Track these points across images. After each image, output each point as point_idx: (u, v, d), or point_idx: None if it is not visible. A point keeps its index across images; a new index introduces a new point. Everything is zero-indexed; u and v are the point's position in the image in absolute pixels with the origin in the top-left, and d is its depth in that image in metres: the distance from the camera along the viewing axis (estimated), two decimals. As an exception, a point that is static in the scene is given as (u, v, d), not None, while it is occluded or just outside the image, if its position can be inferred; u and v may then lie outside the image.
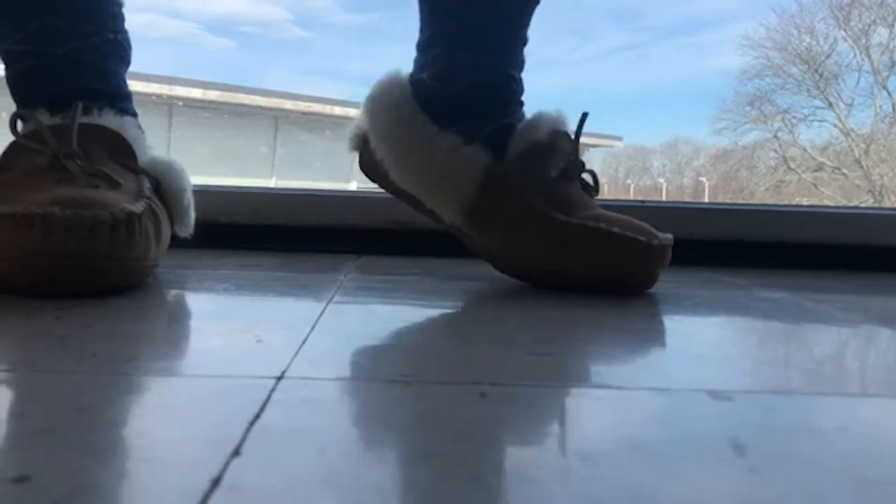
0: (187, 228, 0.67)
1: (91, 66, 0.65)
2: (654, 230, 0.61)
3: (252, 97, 6.79)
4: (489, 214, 0.64)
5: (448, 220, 0.66)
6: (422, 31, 0.68)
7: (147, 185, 0.60)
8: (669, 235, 0.61)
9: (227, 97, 6.57)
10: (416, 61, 0.69)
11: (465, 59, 0.65)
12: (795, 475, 0.24)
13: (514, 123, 0.66)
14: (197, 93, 6.31)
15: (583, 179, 0.66)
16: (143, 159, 0.63)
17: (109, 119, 0.63)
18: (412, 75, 0.68)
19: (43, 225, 0.48)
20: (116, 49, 0.67)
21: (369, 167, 0.70)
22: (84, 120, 0.60)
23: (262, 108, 6.80)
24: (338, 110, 7.02)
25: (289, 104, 6.97)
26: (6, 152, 0.59)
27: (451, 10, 0.66)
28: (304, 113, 6.96)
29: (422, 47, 0.68)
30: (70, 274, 0.49)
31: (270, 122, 6.96)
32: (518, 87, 0.67)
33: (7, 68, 0.66)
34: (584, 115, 0.66)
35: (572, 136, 0.66)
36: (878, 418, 0.32)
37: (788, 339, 0.50)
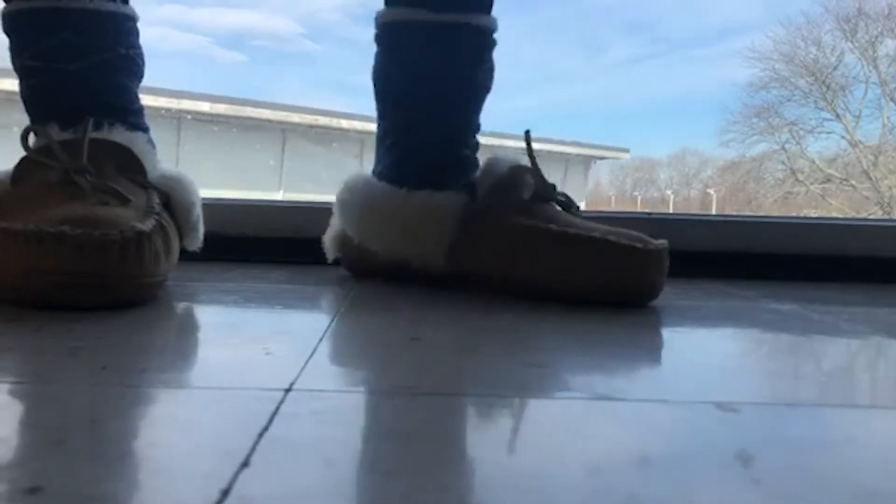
0: (196, 242, 0.68)
1: (103, 81, 0.66)
2: (647, 237, 0.61)
3: (260, 110, 6.81)
4: (475, 247, 0.65)
5: (436, 268, 0.68)
6: (378, 124, 0.74)
7: (156, 200, 0.60)
8: (664, 241, 0.61)
9: (234, 111, 6.60)
10: (375, 155, 0.74)
11: (416, 147, 0.71)
12: (802, 487, 0.24)
13: (473, 182, 0.69)
14: (205, 106, 6.34)
15: (560, 202, 0.67)
16: (152, 174, 0.64)
17: (119, 134, 0.63)
18: (373, 170, 0.74)
19: (53, 243, 0.48)
20: (129, 64, 0.67)
21: (352, 261, 0.75)
22: (94, 135, 0.61)
23: (269, 121, 6.82)
24: (345, 123, 7.04)
25: (296, 117, 6.99)
26: (18, 167, 0.60)
27: (402, 105, 0.71)
28: (311, 126, 6.98)
29: (378, 139, 0.74)
30: (80, 291, 0.49)
31: (278, 135, 6.98)
32: (473, 162, 0.72)
33: (20, 83, 0.67)
34: (527, 133, 0.68)
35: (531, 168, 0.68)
36: (885, 430, 0.32)
37: (795, 351, 0.50)
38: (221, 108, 6.53)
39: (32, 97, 0.66)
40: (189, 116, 6.23)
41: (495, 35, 0.71)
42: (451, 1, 0.69)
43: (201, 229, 0.68)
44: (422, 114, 0.70)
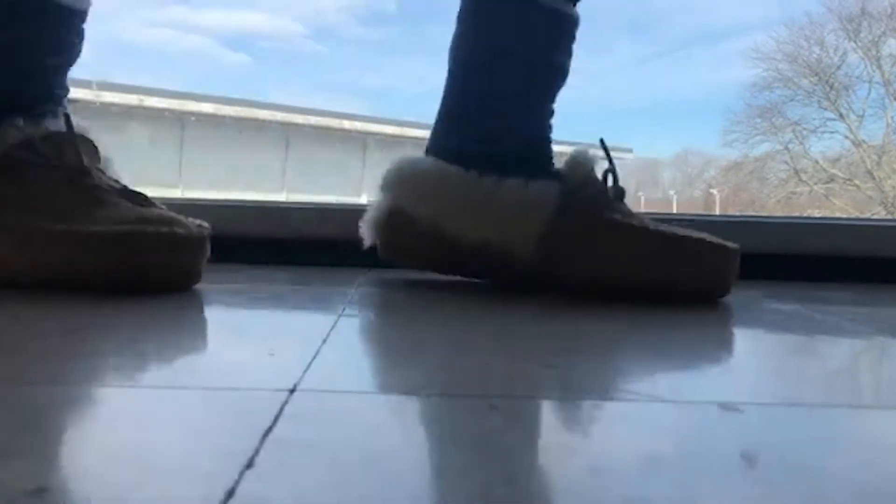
0: None
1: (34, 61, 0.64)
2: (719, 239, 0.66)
3: (263, 112, 6.82)
4: (568, 237, 0.66)
5: (522, 254, 0.67)
6: (451, 100, 0.72)
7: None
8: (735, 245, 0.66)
9: (238, 112, 6.61)
10: (443, 130, 0.72)
11: (504, 123, 0.70)
12: (806, 487, 0.24)
13: (558, 172, 0.69)
14: (209, 108, 6.36)
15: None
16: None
17: (80, 125, 0.63)
18: (434, 146, 0.72)
19: (133, 242, 0.55)
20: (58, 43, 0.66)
21: (399, 246, 0.72)
22: (57, 128, 0.61)
23: (272, 122, 6.83)
24: (347, 124, 7.05)
25: (299, 118, 7.01)
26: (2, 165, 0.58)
27: (484, 79, 0.71)
28: (314, 127, 7.00)
29: (454, 115, 0.72)
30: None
31: (281, 136, 6.99)
32: (549, 149, 0.72)
33: None
34: (602, 141, 0.70)
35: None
36: (889, 430, 0.32)
37: (798, 352, 0.50)
38: (225, 110, 6.54)
39: None
40: (193, 118, 6.25)
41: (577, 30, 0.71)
42: None
43: None
44: (505, 89, 0.70)
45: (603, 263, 0.64)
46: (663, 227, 0.65)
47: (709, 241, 0.64)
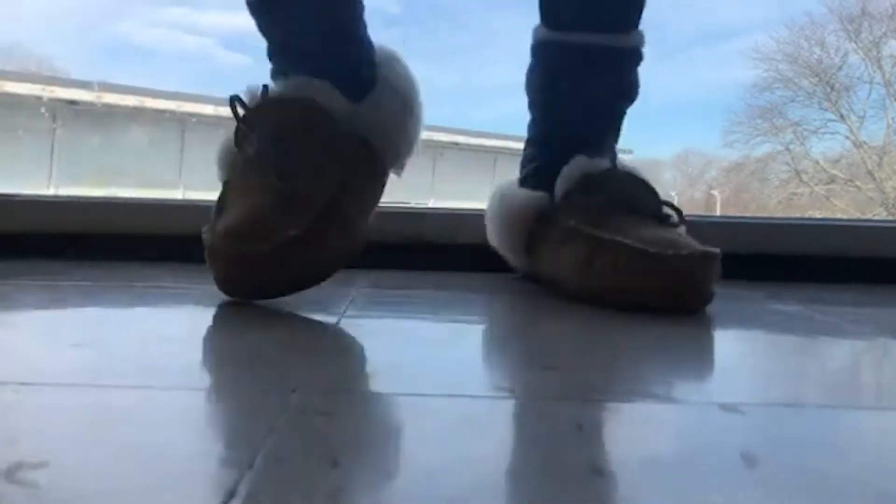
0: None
1: None
2: (687, 244, 0.57)
3: (263, 112, 6.84)
4: (540, 247, 0.66)
5: (518, 266, 0.70)
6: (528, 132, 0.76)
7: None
8: (713, 250, 0.57)
9: (239, 113, 6.62)
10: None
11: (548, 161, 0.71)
12: (807, 488, 0.24)
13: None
14: (209, 109, 6.37)
15: (657, 211, 0.63)
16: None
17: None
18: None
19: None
20: None
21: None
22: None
23: (273, 123, 6.85)
24: (348, 125, 7.07)
25: (300, 119, 7.02)
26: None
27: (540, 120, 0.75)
28: (315, 128, 7.02)
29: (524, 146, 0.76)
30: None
31: (282, 137, 7.01)
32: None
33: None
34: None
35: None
36: (890, 431, 0.32)
37: (799, 352, 0.50)
38: (225, 111, 6.54)
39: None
40: (193, 119, 6.24)
41: (642, 49, 0.73)
42: (591, 22, 0.71)
43: None
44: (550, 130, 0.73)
45: (552, 268, 0.64)
46: (610, 233, 0.59)
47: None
